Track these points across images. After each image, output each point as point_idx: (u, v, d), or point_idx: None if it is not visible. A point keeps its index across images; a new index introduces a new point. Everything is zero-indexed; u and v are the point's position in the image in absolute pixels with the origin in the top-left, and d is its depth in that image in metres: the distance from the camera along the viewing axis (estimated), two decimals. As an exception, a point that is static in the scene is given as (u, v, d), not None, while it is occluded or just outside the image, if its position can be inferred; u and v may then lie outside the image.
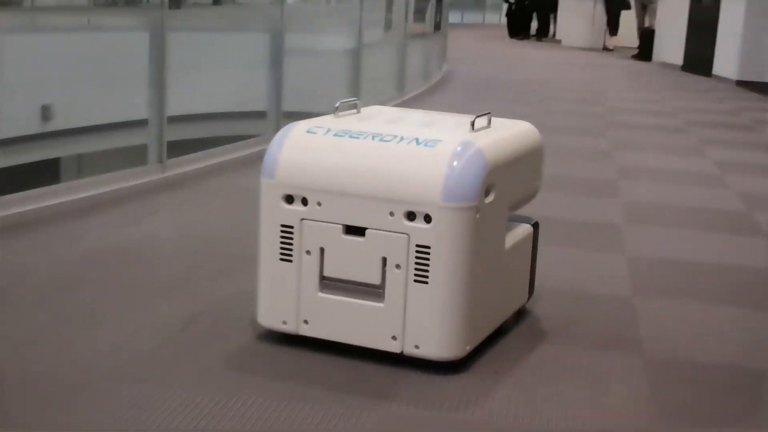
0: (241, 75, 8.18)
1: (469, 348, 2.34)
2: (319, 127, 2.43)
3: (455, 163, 2.24)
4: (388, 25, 8.98)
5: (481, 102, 8.00)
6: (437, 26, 10.35)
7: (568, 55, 14.01)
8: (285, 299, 2.41)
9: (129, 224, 3.57)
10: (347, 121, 2.52)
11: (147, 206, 3.85)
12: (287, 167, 2.37)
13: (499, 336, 2.55)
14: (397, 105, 7.19)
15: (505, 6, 19.28)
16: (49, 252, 3.16)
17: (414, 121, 2.57)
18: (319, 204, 2.34)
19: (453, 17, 17.92)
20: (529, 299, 2.77)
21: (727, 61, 10.74)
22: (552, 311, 2.83)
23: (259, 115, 5.41)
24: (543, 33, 17.90)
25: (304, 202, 2.36)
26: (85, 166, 9.38)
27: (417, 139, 2.33)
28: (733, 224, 4.14)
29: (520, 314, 2.74)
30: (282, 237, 2.40)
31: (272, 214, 2.40)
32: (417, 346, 2.29)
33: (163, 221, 3.67)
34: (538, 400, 2.17)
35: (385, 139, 2.35)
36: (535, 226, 2.74)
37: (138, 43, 4.34)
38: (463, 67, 10.92)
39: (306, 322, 2.39)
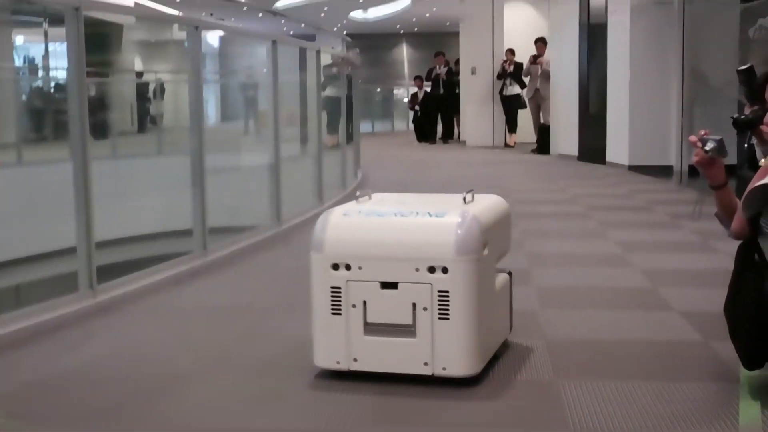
0: (165, 196, 8.13)
1: (481, 366, 2.93)
2: (351, 211, 3.06)
3: (460, 228, 2.86)
4: (303, 139, 9.01)
5: (396, 204, 8.02)
6: (350, 137, 10.42)
7: (474, 154, 14.21)
8: (337, 343, 2.94)
9: (65, 352, 3.44)
10: (368, 205, 3.15)
11: (81, 333, 3.72)
12: (332, 243, 2.94)
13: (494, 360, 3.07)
14: (316, 214, 7.16)
15: (411, 113, 19.57)
16: (-16, 387, 3.01)
17: (418, 201, 3.21)
18: (360, 268, 2.90)
19: (364, 127, 18.10)
20: (510, 332, 3.32)
21: (618, 149, 10.99)
22: (485, 399, 2.77)
23: (186, 233, 5.31)
24: (448, 136, 18.16)
25: (348, 267, 2.91)
26: (22, 297, 9.14)
27: (429, 213, 2.94)
28: (641, 301, 4.16)
29: (505, 344, 3.28)
30: (332, 295, 2.93)
31: (322, 279, 2.94)
32: (444, 368, 2.86)
33: (98, 346, 3.54)
34: None
35: (405, 214, 2.98)
36: (510, 274, 3.33)
37: (65, 174, 4.24)
38: (377, 173, 10.98)
39: (355, 360, 2.93)
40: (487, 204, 3.17)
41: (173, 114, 16.57)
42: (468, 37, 17.20)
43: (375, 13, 27.57)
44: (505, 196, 3.57)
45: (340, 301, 2.92)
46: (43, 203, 8.55)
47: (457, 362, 2.86)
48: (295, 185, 7.40)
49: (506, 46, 15.76)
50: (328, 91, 10.77)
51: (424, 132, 18.16)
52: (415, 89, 19.32)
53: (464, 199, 3.09)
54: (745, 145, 4.63)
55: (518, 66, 15.29)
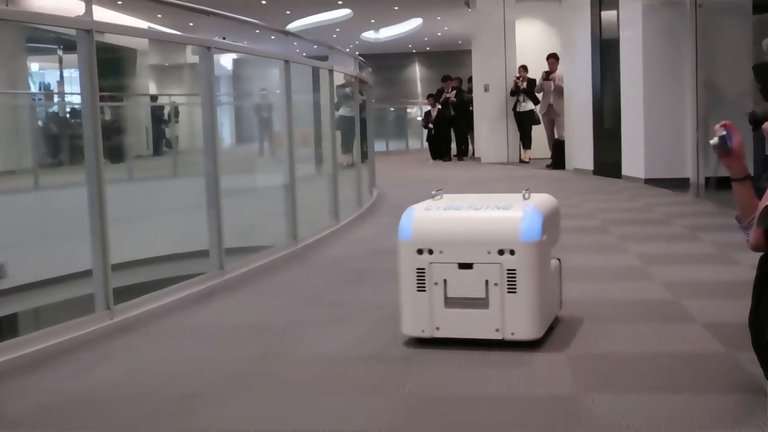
0: (182, 218, 8.12)
1: (543, 332, 3.50)
2: (431, 206, 3.64)
3: (524, 218, 3.44)
4: (318, 159, 9.00)
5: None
6: (365, 155, 10.41)
7: (488, 171, 14.17)
8: (422, 315, 3.52)
9: (82, 373, 3.40)
10: (444, 202, 3.70)
11: (98, 353, 3.69)
12: (417, 232, 3.54)
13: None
14: (332, 232, 7.14)
15: (425, 132, 19.56)
16: (5, 407, 2.98)
17: (486, 199, 3.70)
18: (441, 252, 3.49)
19: (378, 146, 18.12)
20: (560, 309, 3.89)
21: (633, 162, 10.93)
22: (507, 418, 2.72)
23: (202, 254, 5.29)
24: (463, 153, 18.14)
25: (430, 252, 3.50)
26: (40, 320, 9.15)
27: (497, 207, 3.52)
28: (663, 313, 4.10)
29: (557, 319, 3.82)
30: (417, 275, 3.52)
31: (409, 262, 3.54)
32: (512, 333, 3.43)
33: (115, 367, 3.51)
34: None
35: (477, 208, 3.55)
36: (559, 260, 3.90)
37: (81, 198, 4.23)
38: (392, 191, 10.96)
39: (437, 328, 3.52)
40: (542, 200, 3.71)
41: (188, 137, 16.63)
42: (480, 54, 17.20)
43: (386, 33, 27.68)
44: (522, 209, 3.53)
45: (424, 279, 3.50)
46: (61, 227, 8.57)
47: (524, 328, 3.43)
48: (311, 205, 7.38)
49: (519, 63, 15.74)
50: (342, 111, 10.79)
51: (438, 150, 18.14)
52: (428, 107, 19.32)
53: (524, 195, 3.66)
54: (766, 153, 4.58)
55: (531, 82, 15.26)
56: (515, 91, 15.52)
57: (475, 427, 2.68)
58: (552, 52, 14.75)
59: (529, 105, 15.45)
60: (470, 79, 18.79)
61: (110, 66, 19.43)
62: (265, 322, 4.18)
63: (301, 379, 3.26)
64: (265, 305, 4.65)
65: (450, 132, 18.13)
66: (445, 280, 3.48)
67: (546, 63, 14.65)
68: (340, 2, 21.81)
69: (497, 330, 3.44)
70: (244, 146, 19.00)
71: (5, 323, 8.46)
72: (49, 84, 21.24)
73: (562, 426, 2.66)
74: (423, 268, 3.51)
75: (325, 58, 9.06)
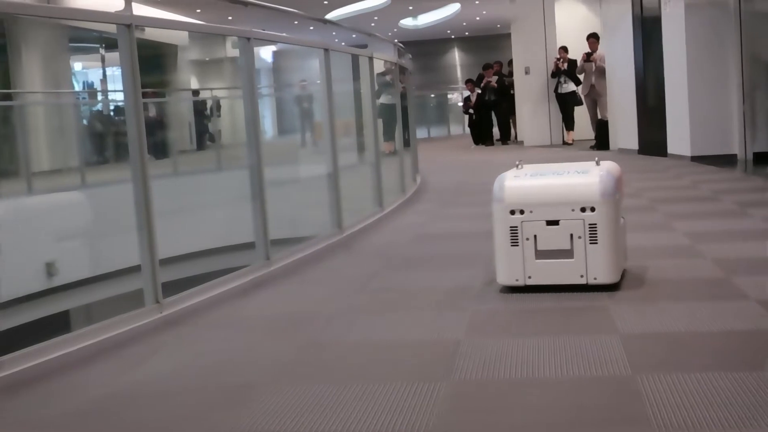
0: (227, 211, 8.15)
1: (619, 276, 4.13)
2: (519, 174, 4.22)
3: (602, 180, 4.03)
4: (360, 148, 8.99)
5: (455, 207, 7.95)
6: (407, 143, 10.37)
7: (532, 154, 14.05)
8: (516, 266, 4.10)
9: (133, 367, 3.42)
10: (527, 170, 4.29)
11: (149, 347, 3.70)
12: (509, 196, 4.11)
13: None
14: (377, 220, 7.12)
15: (466, 117, 19.44)
16: (59, 402, 3.00)
17: (563, 166, 4.29)
18: (531, 212, 4.06)
19: (420, 133, 18.07)
20: (626, 261, 4.39)
21: (679, 140, 10.79)
22: (558, 400, 2.68)
23: (248, 246, 5.30)
24: (506, 137, 18.03)
25: (521, 212, 4.07)
26: (91, 317, 9.24)
27: (577, 171, 4.13)
28: (715, 291, 4.03)
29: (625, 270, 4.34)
30: (511, 233, 4.08)
31: (503, 221, 4.11)
32: (595, 278, 4.03)
33: (166, 360, 3.52)
34: None
35: (559, 173, 4.17)
36: (623, 218, 4.33)
37: (127, 194, 4.25)
38: (435, 177, 10.92)
39: (530, 277, 4.09)
40: (611, 166, 4.26)
41: (231, 130, 16.69)
42: (520, 37, 17.08)
43: (425, 19, 27.55)
44: (569, 189, 3.49)
45: (517, 236, 4.07)
46: (109, 224, 8.64)
47: (604, 273, 4.03)
48: (355, 193, 7.37)
49: (559, 44, 15.58)
50: (383, 99, 10.76)
51: (480, 135, 18.04)
52: (467, 93, 19.20)
53: (596, 162, 4.25)
54: None
55: (572, 63, 15.10)
56: (556, 73, 15.36)
57: (526, 412, 2.65)
58: (592, 32, 14.58)
59: (570, 86, 15.28)
60: (510, 62, 18.65)
61: (152, 62, 19.56)
62: (313, 311, 4.18)
63: (351, 366, 3.25)
64: (313, 294, 4.64)
65: (491, 117, 18.00)
66: (535, 236, 4.05)
67: (587, 43, 14.48)
68: (377, -10, 21.73)
69: (581, 276, 4.03)
70: (286, 138, 19.04)
71: (57, 321, 8.56)
72: (92, 82, 21.44)
73: (620, 405, 2.61)
74: (516, 226, 4.07)
75: (364, 47, 9.02)
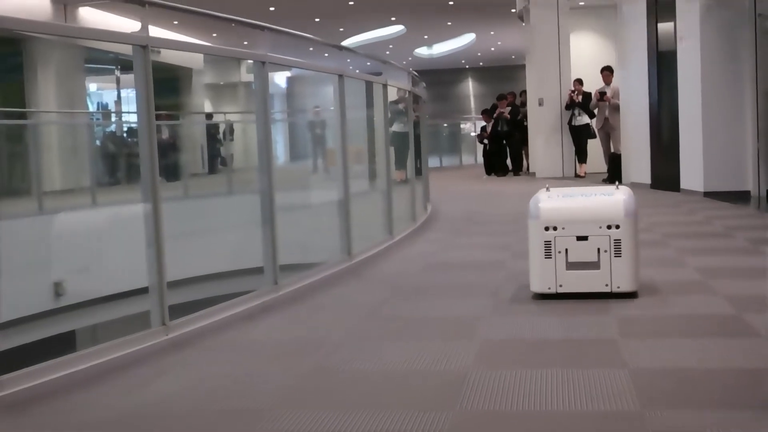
0: (237, 235, 8.15)
1: (638, 285, 4.68)
2: (551, 195, 4.80)
3: (625, 201, 4.64)
4: (372, 175, 8.99)
5: (466, 236, 7.93)
6: (419, 171, 10.37)
7: (544, 185, 14.04)
8: (549, 276, 4.64)
9: (138, 388, 3.41)
10: (557, 192, 4.87)
11: (154, 368, 3.69)
12: (544, 213, 4.66)
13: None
14: (386, 248, 7.12)
15: (480, 147, 19.42)
16: (61, 422, 2.99)
17: (588, 189, 4.95)
18: (563, 228, 4.61)
19: (432, 162, 18.07)
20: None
21: (692, 175, 10.76)
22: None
23: (257, 271, 5.29)
24: (518, 168, 18.02)
25: (555, 228, 4.61)
26: (97, 337, 9.23)
27: (602, 194, 4.75)
28: (726, 327, 4.00)
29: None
30: (545, 246, 4.62)
31: (538, 236, 4.65)
32: (618, 287, 4.59)
33: (171, 382, 3.51)
34: None
35: (587, 195, 4.79)
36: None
37: (137, 216, 4.26)
38: (446, 206, 10.91)
39: (561, 286, 4.64)
40: (628, 191, 4.82)
41: (243, 154, 16.74)
42: (534, 68, 17.08)
43: (440, 49, 27.68)
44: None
45: (550, 249, 4.60)
46: (118, 245, 8.65)
47: (626, 283, 4.60)
48: (366, 220, 7.36)
49: (573, 76, 15.60)
50: (395, 127, 10.77)
51: (493, 165, 18.04)
52: (483, 123, 19.21)
53: (616, 186, 4.86)
54: None
55: (587, 96, 15.10)
56: (570, 105, 15.37)
57: (535, 444, 2.63)
58: (606, 65, 14.60)
59: (584, 119, 15.27)
60: (522, 93, 18.67)
61: (166, 85, 19.67)
62: (321, 337, 4.16)
63: (357, 393, 3.23)
64: (320, 320, 4.63)
65: (504, 147, 18.00)
66: (566, 249, 4.60)
67: (601, 76, 14.50)
68: (393, 18, 21.87)
69: (606, 285, 4.58)
70: (298, 163, 19.08)
71: (63, 341, 8.56)
72: (106, 104, 21.56)
73: (624, 443, 2.59)
74: (549, 241, 4.61)
75: (378, 75, 9.05)
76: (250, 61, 5.35)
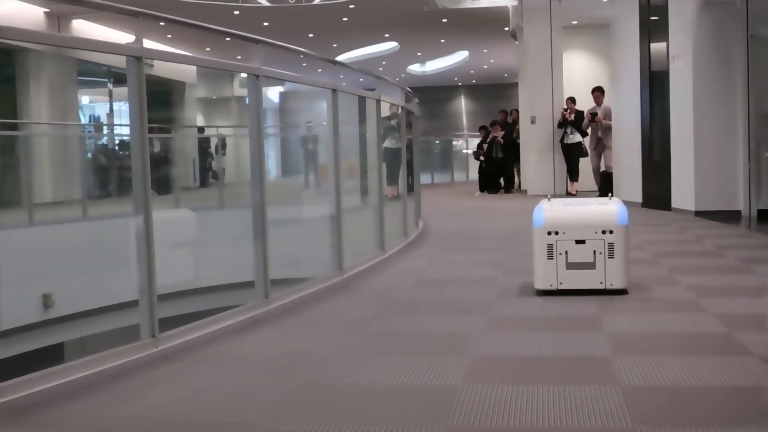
0: (227, 248, 8.12)
1: (628, 283, 5.27)
2: (553, 204, 5.37)
3: (618, 210, 5.25)
4: (364, 191, 8.98)
5: (458, 252, 7.91)
6: (410, 187, 10.38)
7: (535, 203, 14.03)
8: (550, 275, 5.24)
9: (126, 400, 3.38)
10: (558, 201, 5.46)
11: (143, 381, 3.67)
12: (547, 221, 5.23)
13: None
14: (378, 263, 7.10)
15: (476, 163, 19.46)
16: (46, 437, 2.97)
17: (585, 200, 5.68)
18: (564, 233, 5.19)
19: (424, 178, 18.07)
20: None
21: (683, 194, 10.79)
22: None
23: (248, 285, 5.28)
24: (509, 185, 18.05)
25: (556, 233, 5.19)
26: (86, 349, 9.19)
27: (597, 204, 5.40)
28: (718, 346, 3.99)
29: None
30: (547, 249, 5.21)
31: (542, 240, 5.22)
32: (611, 284, 5.19)
33: (159, 394, 3.48)
34: None
35: (584, 204, 5.45)
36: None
37: (127, 229, 4.24)
38: (438, 222, 10.90)
39: (561, 283, 5.22)
40: (620, 201, 5.45)
41: (234, 168, 16.72)
42: (527, 86, 17.14)
43: (433, 66, 27.76)
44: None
45: (552, 251, 5.20)
46: (108, 257, 8.62)
47: (618, 281, 5.20)
48: (357, 235, 7.35)
49: (566, 94, 15.65)
50: (388, 143, 10.77)
51: (488, 182, 18.08)
52: (478, 140, 19.25)
53: (609, 197, 5.61)
54: None
55: (579, 114, 15.15)
56: (563, 123, 15.41)
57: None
58: (597, 85, 14.65)
59: (576, 137, 15.31)
60: (512, 111, 18.73)
61: (159, 98, 19.66)
62: (311, 352, 4.14)
63: (346, 409, 3.21)
64: (311, 335, 4.61)
65: (498, 165, 18.05)
66: (566, 251, 5.18)
67: (592, 97, 14.56)
68: (386, 35, 21.92)
69: (601, 283, 5.17)
70: (290, 178, 19.07)
71: (52, 352, 8.51)
72: (98, 116, 21.54)
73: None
74: (551, 244, 5.19)
75: (371, 91, 9.06)
76: (243, 75, 5.35)
